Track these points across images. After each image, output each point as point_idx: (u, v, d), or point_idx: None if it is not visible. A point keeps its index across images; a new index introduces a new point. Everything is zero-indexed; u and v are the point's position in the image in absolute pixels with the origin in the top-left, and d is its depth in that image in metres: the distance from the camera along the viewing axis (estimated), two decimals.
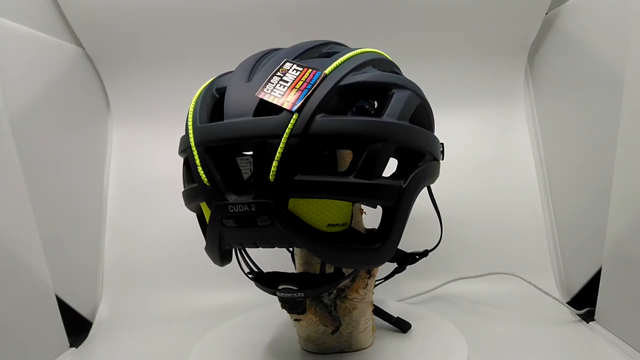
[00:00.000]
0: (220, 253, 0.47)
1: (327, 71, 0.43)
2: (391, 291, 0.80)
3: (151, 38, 0.87)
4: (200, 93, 0.48)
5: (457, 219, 0.86)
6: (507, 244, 0.85)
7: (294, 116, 0.40)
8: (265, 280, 0.50)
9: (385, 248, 0.45)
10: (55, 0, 0.82)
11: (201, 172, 0.43)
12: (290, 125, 0.40)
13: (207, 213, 0.46)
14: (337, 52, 0.48)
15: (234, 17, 0.85)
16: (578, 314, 0.70)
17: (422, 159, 0.47)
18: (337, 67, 0.44)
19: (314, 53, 0.49)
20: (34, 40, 0.75)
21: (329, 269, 0.52)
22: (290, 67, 0.44)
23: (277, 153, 0.40)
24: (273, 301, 0.65)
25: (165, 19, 0.85)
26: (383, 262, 0.47)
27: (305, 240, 0.42)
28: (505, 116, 0.92)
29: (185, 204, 0.50)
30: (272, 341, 0.63)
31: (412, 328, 0.63)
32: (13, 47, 0.69)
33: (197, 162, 0.43)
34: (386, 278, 0.64)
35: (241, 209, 0.41)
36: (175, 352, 0.65)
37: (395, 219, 0.44)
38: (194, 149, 0.43)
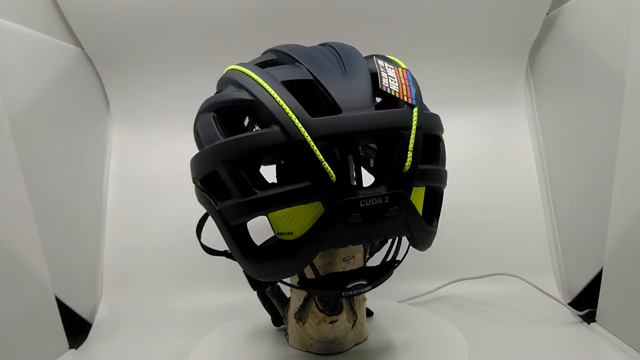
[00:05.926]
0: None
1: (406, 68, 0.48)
2: (391, 292, 0.80)
3: (151, 38, 0.87)
4: (271, 88, 0.42)
5: (458, 220, 0.86)
6: (508, 245, 0.85)
7: (415, 109, 0.43)
8: (328, 284, 0.48)
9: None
10: (55, 1, 0.81)
11: (328, 168, 0.40)
12: (415, 118, 0.43)
13: (301, 217, 0.42)
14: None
15: (234, 17, 0.85)
16: (579, 315, 0.69)
17: None
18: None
19: None
20: (34, 41, 0.75)
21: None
22: (384, 64, 0.47)
23: (410, 144, 0.42)
24: None
25: (165, 19, 0.85)
26: None
27: (419, 228, 0.45)
28: (506, 116, 0.91)
29: (257, 214, 0.43)
30: (273, 342, 0.62)
31: (412, 328, 0.64)
32: (13, 48, 0.69)
33: (321, 157, 0.40)
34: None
35: (374, 202, 0.40)
36: (175, 353, 0.65)
37: (442, 200, 0.51)
38: (311, 144, 0.39)
